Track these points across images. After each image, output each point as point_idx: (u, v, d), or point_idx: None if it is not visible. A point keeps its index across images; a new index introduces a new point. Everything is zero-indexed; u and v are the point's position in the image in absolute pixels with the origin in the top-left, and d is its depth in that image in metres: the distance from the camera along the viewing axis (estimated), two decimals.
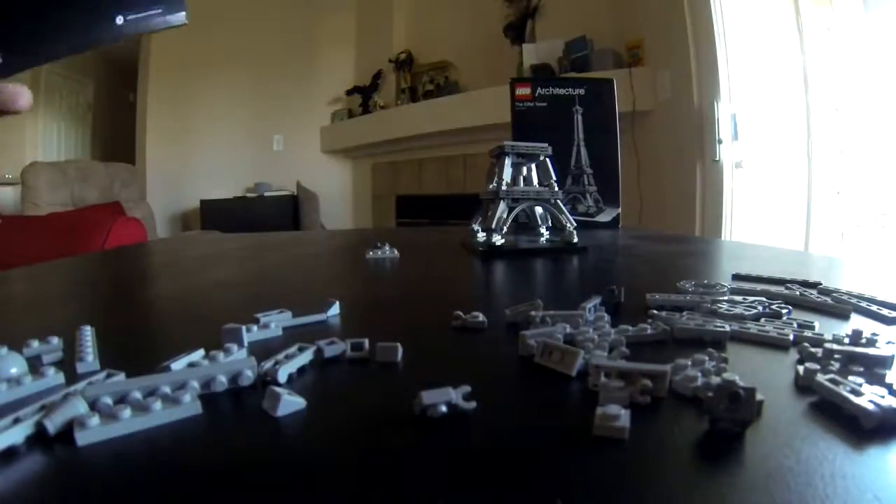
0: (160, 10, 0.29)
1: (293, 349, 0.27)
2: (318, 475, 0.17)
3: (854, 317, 0.35)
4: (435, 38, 3.62)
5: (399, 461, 0.18)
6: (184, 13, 0.30)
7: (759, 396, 0.21)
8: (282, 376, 0.24)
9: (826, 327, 0.32)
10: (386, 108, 3.81)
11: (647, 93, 2.27)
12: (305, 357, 0.26)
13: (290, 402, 0.21)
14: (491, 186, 0.72)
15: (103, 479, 0.17)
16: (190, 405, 0.20)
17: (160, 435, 0.19)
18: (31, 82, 3.56)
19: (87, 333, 0.30)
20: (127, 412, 0.19)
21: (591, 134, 1.07)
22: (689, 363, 0.24)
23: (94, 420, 0.18)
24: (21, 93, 0.27)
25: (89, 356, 0.27)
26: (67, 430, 0.19)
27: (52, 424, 0.19)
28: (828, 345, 0.25)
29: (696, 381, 0.22)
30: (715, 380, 0.22)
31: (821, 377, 0.22)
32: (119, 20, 0.28)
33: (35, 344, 0.29)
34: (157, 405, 0.20)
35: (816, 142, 1.81)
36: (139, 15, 0.29)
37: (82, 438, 0.17)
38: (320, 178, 4.09)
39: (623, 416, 0.19)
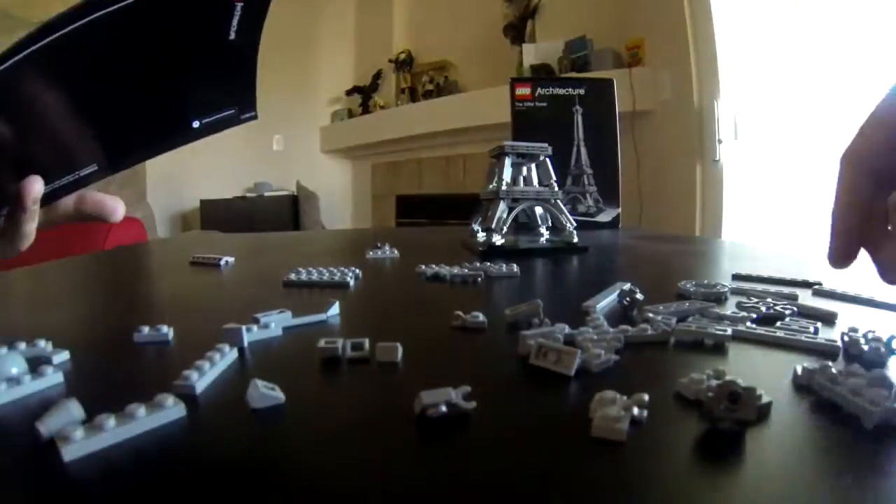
0: (233, 111, 0.31)
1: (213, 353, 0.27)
2: (317, 475, 0.17)
3: (853, 316, 0.35)
4: (435, 38, 3.62)
5: (399, 461, 0.18)
6: (255, 112, 0.31)
7: (766, 399, 0.21)
8: (199, 386, 0.23)
9: (825, 327, 0.32)
10: (386, 108, 3.81)
11: (647, 93, 2.27)
12: (226, 362, 0.26)
13: (268, 396, 0.22)
14: (491, 186, 0.72)
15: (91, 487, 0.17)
16: (173, 409, 0.20)
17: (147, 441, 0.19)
18: None
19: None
20: (111, 421, 0.19)
21: (590, 134, 1.07)
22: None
23: (79, 433, 0.18)
24: (117, 208, 0.29)
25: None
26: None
27: (46, 428, 0.19)
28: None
29: (698, 382, 0.22)
30: (715, 380, 0.22)
31: (821, 377, 0.22)
32: (196, 124, 0.30)
33: (37, 344, 0.29)
34: (141, 412, 0.19)
35: (816, 142, 1.81)
36: (214, 118, 0.30)
37: (69, 453, 0.17)
38: (320, 177, 4.08)
39: (623, 418, 0.19)
